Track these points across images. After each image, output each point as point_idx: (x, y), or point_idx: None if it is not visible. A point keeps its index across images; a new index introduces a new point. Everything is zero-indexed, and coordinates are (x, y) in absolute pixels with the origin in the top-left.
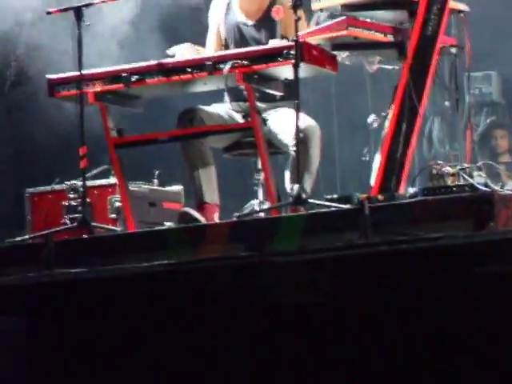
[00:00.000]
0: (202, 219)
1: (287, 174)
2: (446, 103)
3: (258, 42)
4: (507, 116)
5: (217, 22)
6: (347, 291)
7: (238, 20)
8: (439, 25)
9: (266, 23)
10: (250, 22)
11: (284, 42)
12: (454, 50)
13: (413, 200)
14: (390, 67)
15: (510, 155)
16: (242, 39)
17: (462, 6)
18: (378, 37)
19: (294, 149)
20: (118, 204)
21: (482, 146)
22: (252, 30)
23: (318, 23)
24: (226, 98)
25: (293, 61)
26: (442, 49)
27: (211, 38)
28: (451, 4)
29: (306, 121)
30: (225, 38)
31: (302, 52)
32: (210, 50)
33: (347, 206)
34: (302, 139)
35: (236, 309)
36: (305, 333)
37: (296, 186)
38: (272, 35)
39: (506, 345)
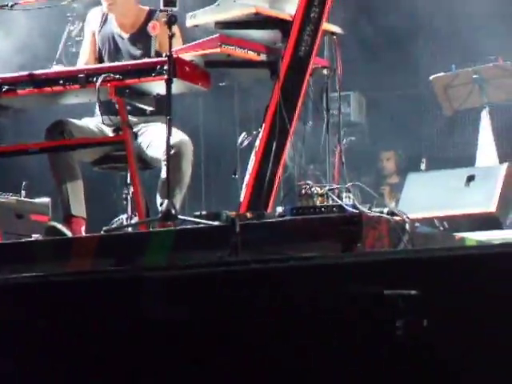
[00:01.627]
0: (69, 233)
1: (158, 189)
2: (310, 123)
3: (133, 56)
4: (366, 136)
5: (92, 32)
6: (215, 309)
7: (114, 31)
8: (312, 46)
9: (141, 37)
10: (126, 35)
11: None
12: (325, 72)
13: (282, 219)
14: None
15: (398, 176)
16: (116, 51)
17: (335, 28)
18: (251, 55)
19: (165, 163)
20: None
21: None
22: (127, 44)
23: None
24: (97, 111)
25: (165, 76)
26: (314, 70)
27: (85, 48)
28: (325, 26)
29: (179, 135)
30: (99, 48)
31: (175, 68)
32: (84, 60)
33: (217, 223)
34: (173, 153)
35: (102, 323)
36: (169, 349)
37: (166, 202)
38: (147, 50)
39: (368, 363)
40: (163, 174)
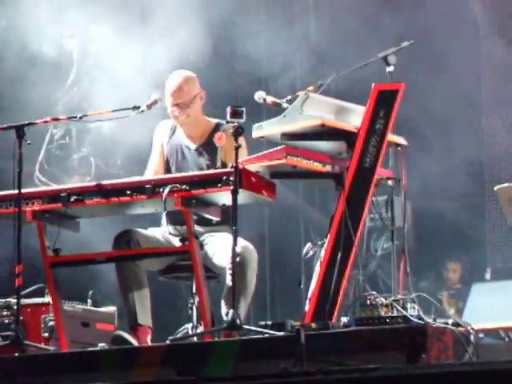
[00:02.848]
0: (135, 342)
1: (223, 298)
2: None
3: (199, 167)
4: (411, 240)
5: (160, 143)
6: None
7: (182, 143)
8: (377, 157)
9: (207, 148)
10: (193, 146)
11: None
12: (390, 183)
13: (347, 329)
14: None
15: (460, 283)
16: (183, 161)
17: (400, 140)
18: (316, 166)
19: (231, 271)
20: (51, 323)
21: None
22: (194, 154)
23: None
24: (164, 221)
25: (231, 187)
26: (379, 180)
27: (154, 160)
28: (390, 137)
29: (243, 244)
30: (167, 158)
31: (241, 179)
32: (151, 170)
33: (282, 333)
34: (238, 262)
35: None
36: None
37: (231, 312)
38: (213, 160)
39: None
40: (228, 282)
